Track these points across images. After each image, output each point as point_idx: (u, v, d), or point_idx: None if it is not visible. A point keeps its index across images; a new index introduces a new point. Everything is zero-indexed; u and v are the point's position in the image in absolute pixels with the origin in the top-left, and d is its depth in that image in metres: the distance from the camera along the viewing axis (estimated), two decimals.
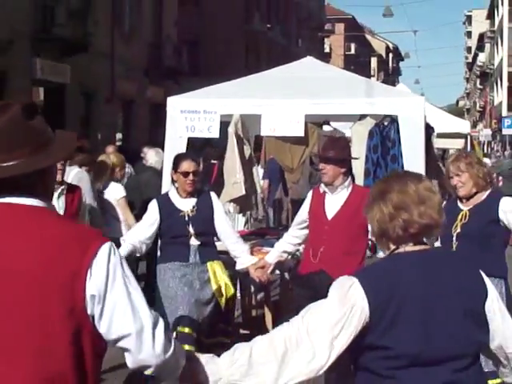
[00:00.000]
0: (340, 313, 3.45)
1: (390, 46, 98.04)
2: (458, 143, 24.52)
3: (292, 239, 8.28)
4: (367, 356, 3.55)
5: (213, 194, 8.47)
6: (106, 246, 3.18)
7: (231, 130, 10.53)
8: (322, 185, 7.87)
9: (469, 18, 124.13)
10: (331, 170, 7.63)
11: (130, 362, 3.27)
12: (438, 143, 21.82)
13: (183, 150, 10.40)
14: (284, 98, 10.22)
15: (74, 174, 11.02)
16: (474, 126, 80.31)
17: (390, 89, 10.58)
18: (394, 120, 10.30)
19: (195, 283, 8.06)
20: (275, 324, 7.94)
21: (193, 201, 8.16)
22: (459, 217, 7.27)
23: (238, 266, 8.55)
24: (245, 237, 9.89)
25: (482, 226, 7.13)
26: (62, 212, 7.89)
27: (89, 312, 3.12)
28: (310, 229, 8.04)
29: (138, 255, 8.66)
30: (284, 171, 14.41)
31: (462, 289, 3.61)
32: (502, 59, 79.42)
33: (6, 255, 3.08)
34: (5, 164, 3.11)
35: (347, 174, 7.82)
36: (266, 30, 56.40)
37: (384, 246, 3.73)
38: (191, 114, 10.29)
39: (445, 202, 6.59)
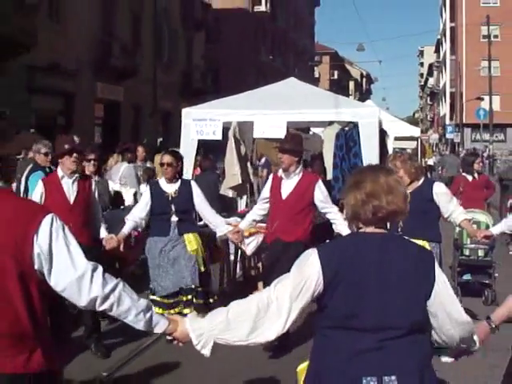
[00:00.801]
0: (299, 281, 3.15)
1: (364, 73, 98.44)
2: (412, 144, 24.71)
3: (258, 211, 8.05)
4: (318, 316, 3.23)
5: (193, 182, 8.21)
6: (49, 216, 3.16)
7: (230, 133, 10.25)
8: (280, 171, 7.65)
9: (421, 52, 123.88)
10: (287, 159, 7.43)
11: (79, 303, 3.21)
12: (396, 144, 21.81)
13: (194, 149, 10.11)
14: (271, 109, 10.06)
15: (124, 168, 10.92)
16: (425, 131, 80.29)
17: (352, 101, 10.23)
18: (355, 125, 10.03)
19: (173, 253, 7.74)
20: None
21: (176, 185, 7.87)
22: None
23: (218, 234, 8.26)
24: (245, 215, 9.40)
25: (420, 205, 6.73)
26: (75, 194, 7.42)
27: (36, 267, 3.11)
28: (269, 205, 7.84)
29: (140, 230, 8.49)
30: (271, 164, 14.02)
31: (409, 270, 3.16)
32: (445, 83, 79.45)
33: None
34: None
35: (299, 163, 7.61)
36: (269, 61, 56.16)
37: (355, 226, 3.37)
38: (200, 121, 10.13)
39: None
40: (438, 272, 3.23)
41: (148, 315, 3.32)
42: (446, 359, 3.77)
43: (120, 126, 32.85)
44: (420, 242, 5.91)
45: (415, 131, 24.74)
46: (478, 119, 47.48)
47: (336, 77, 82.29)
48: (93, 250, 7.26)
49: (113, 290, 3.22)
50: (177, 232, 7.77)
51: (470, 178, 12.48)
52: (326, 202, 7.63)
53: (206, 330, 3.25)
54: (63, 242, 3.18)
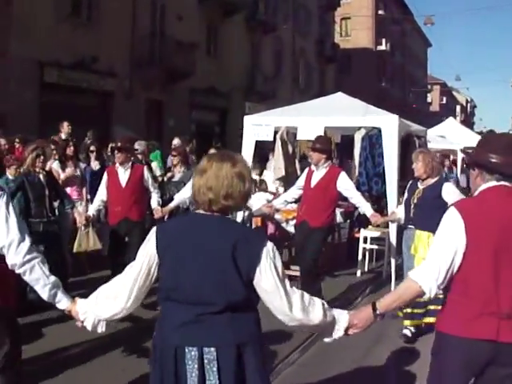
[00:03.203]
0: (142, 257, 2.62)
1: (468, 98, 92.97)
2: None
3: (291, 194, 7.33)
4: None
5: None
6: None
7: (278, 136, 9.40)
8: (313, 165, 6.97)
9: None
10: (316, 156, 6.85)
11: (10, 264, 3.14)
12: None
13: (253, 149, 9.36)
14: (312, 116, 9.00)
15: None
16: None
17: (378, 110, 9.04)
18: (379, 130, 8.83)
19: None
20: None
21: None
22: (416, 192, 6.09)
23: (254, 209, 7.79)
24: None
25: (431, 200, 5.85)
26: (126, 180, 6.83)
27: None
28: (302, 193, 7.12)
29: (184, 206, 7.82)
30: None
31: (229, 252, 2.47)
32: None
33: None
34: None
35: (328, 159, 6.91)
36: (389, 88, 54.04)
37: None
38: (257, 126, 9.33)
39: (411, 182, 6.28)
40: (266, 259, 2.50)
41: (54, 290, 3.08)
42: (326, 339, 2.86)
43: None
44: (430, 234, 5.50)
45: None
46: None
47: (444, 101, 78.08)
48: (138, 224, 6.80)
49: (29, 260, 3.10)
50: None
51: None
52: (350, 189, 6.91)
53: (88, 309, 2.84)
54: (4, 215, 3.15)
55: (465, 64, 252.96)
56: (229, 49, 27.37)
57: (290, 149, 9.52)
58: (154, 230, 2.64)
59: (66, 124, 10.62)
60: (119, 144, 6.92)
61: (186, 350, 2.48)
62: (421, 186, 6.07)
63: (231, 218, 2.71)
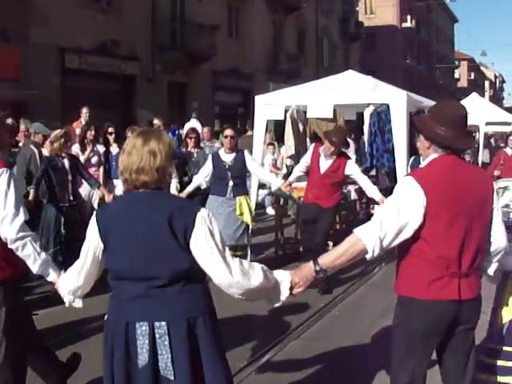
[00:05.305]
0: (87, 241, 2.68)
1: (497, 74, 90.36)
2: (506, 128, 19.85)
3: (301, 169, 7.43)
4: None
5: (245, 151, 7.34)
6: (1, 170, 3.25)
7: (288, 114, 9.37)
8: (321, 148, 7.00)
9: None
10: (330, 148, 6.85)
11: (3, 237, 3.22)
12: (488, 128, 19.53)
13: (264, 126, 9.33)
14: (322, 94, 8.94)
15: None
16: None
17: (387, 86, 8.89)
18: (387, 106, 8.75)
19: (228, 210, 7.06)
20: None
21: (233, 155, 7.08)
22: None
23: (273, 188, 7.88)
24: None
25: None
26: None
27: None
28: (309, 175, 7.26)
29: (202, 188, 7.77)
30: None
31: (164, 224, 2.48)
32: None
33: None
34: None
35: (339, 150, 6.97)
36: (416, 65, 53.09)
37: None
38: (267, 105, 9.30)
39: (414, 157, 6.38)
40: (202, 224, 2.50)
41: (43, 266, 3.22)
42: (275, 304, 2.78)
43: None
44: None
45: (508, 117, 21.64)
46: None
47: (473, 77, 76.14)
48: None
49: (22, 237, 3.19)
50: (232, 194, 7.10)
51: (509, 152, 10.75)
52: (357, 174, 7.10)
53: (63, 284, 2.95)
54: (3, 190, 3.22)
55: (491, 39, 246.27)
56: (251, 29, 27.16)
57: (301, 127, 9.46)
58: (94, 215, 2.66)
59: (84, 109, 10.86)
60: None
61: (137, 326, 2.49)
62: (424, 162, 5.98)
63: (164, 192, 2.69)
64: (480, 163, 15.52)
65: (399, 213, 2.69)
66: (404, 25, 49.66)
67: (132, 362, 2.49)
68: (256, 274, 2.58)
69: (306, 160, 7.29)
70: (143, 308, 2.49)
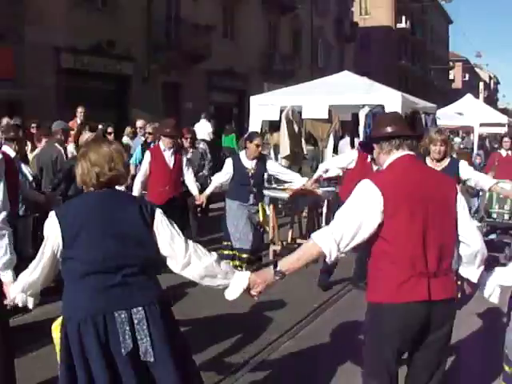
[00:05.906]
0: (45, 238, 2.79)
1: (491, 75, 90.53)
2: (500, 130, 20.49)
3: (333, 171, 7.33)
4: (68, 268, 2.74)
5: (266, 155, 7.60)
6: None
7: (283, 115, 9.32)
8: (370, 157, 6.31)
9: None
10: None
11: None
12: (482, 129, 19.73)
13: (259, 127, 9.35)
14: (317, 95, 8.92)
15: None
16: None
17: (381, 87, 8.91)
18: (382, 107, 8.71)
19: (250, 216, 7.12)
20: None
21: (254, 162, 7.05)
22: None
23: (299, 186, 7.62)
24: None
25: None
26: (173, 162, 7.37)
27: None
28: (351, 174, 6.65)
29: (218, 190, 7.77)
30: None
31: (128, 216, 2.74)
32: None
33: None
34: None
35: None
36: (410, 65, 53.18)
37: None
38: (263, 106, 9.34)
39: None
40: (159, 217, 2.81)
41: (7, 264, 3.30)
42: (230, 297, 2.96)
43: None
44: None
45: (502, 118, 21.72)
46: None
47: (467, 78, 76.25)
48: (178, 200, 7.40)
49: (1, 228, 3.31)
50: (254, 201, 7.13)
51: (504, 153, 10.77)
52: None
53: (16, 284, 3.01)
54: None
55: (486, 40, 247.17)
56: (246, 30, 27.17)
57: (296, 128, 9.46)
58: (53, 215, 2.75)
59: (80, 109, 10.92)
60: (167, 130, 7.27)
61: (116, 315, 2.61)
62: (432, 165, 5.77)
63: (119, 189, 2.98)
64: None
65: (353, 214, 2.72)
66: (399, 25, 49.80)
67: (115, 352, 2.59)
68: (211, 257, 2.85)
69: (342, 165, 6.98)
70: (118, 296, 2.64)
